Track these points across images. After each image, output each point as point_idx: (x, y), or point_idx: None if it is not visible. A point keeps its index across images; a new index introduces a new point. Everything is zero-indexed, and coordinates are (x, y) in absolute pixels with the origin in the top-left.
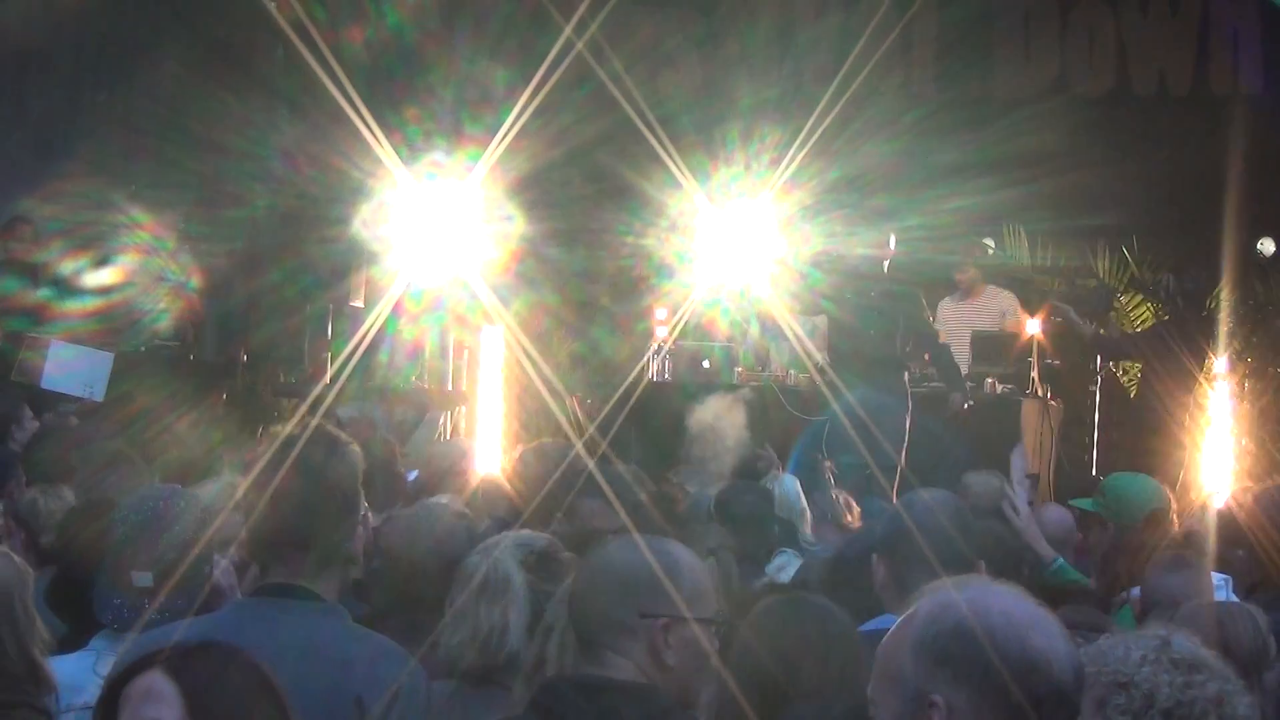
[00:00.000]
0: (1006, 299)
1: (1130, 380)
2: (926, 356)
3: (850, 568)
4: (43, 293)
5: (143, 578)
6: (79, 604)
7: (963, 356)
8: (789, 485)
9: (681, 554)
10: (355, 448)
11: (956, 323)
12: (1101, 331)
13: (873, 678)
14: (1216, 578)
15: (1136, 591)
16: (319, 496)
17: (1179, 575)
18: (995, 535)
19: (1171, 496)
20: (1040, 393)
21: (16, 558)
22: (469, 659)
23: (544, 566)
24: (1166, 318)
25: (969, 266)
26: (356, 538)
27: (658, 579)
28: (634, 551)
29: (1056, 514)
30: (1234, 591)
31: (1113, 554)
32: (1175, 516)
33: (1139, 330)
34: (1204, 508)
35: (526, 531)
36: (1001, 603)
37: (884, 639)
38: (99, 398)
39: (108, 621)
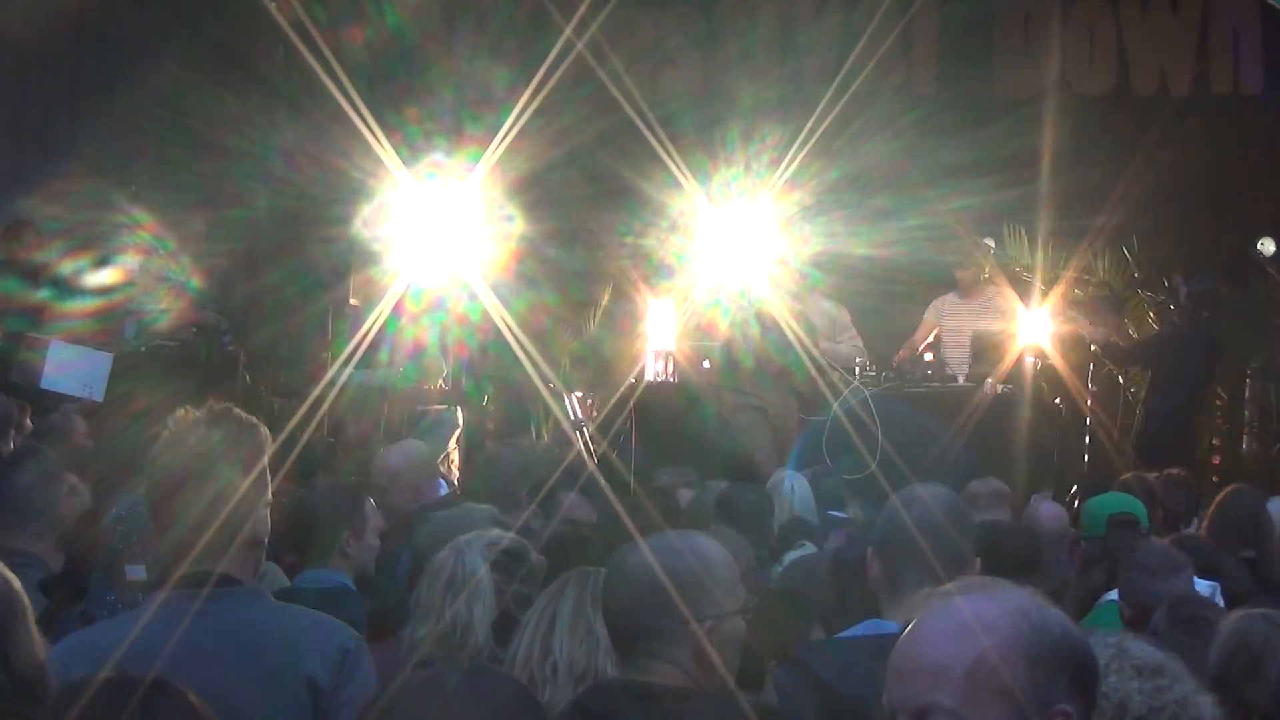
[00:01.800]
0: (1008, 299)
1: (1133, 382)
2: (930, 356)
3: (851, 567)
4: (43, 293)
5: (135, 570)
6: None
7: (962, 354)
8: (799, 485)
9: (711, 548)
10: (257, 424)
11: (957, 320)
12: (1113, 340)
13: (953, 694)
14: (1205, 585)
15: (1113, 594)
16: (220, 478)
17: (1161, 578)
18: (991, 532)
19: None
20: (1040, 393)
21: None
22: (432, 652)
23: (511, 565)
24: (1176, 321)
25: (970, 264)
26: (261, 519)
27: (698, 581)
28: (668, 555)
29: (1051, 510)
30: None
31: (1083, 564)
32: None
33: (1148, 336)
34: (1205, 512)
35: (496, 530)
36: (1050, 607)
37: (961, 651)
38: (98, 398)
39: (101, 618)
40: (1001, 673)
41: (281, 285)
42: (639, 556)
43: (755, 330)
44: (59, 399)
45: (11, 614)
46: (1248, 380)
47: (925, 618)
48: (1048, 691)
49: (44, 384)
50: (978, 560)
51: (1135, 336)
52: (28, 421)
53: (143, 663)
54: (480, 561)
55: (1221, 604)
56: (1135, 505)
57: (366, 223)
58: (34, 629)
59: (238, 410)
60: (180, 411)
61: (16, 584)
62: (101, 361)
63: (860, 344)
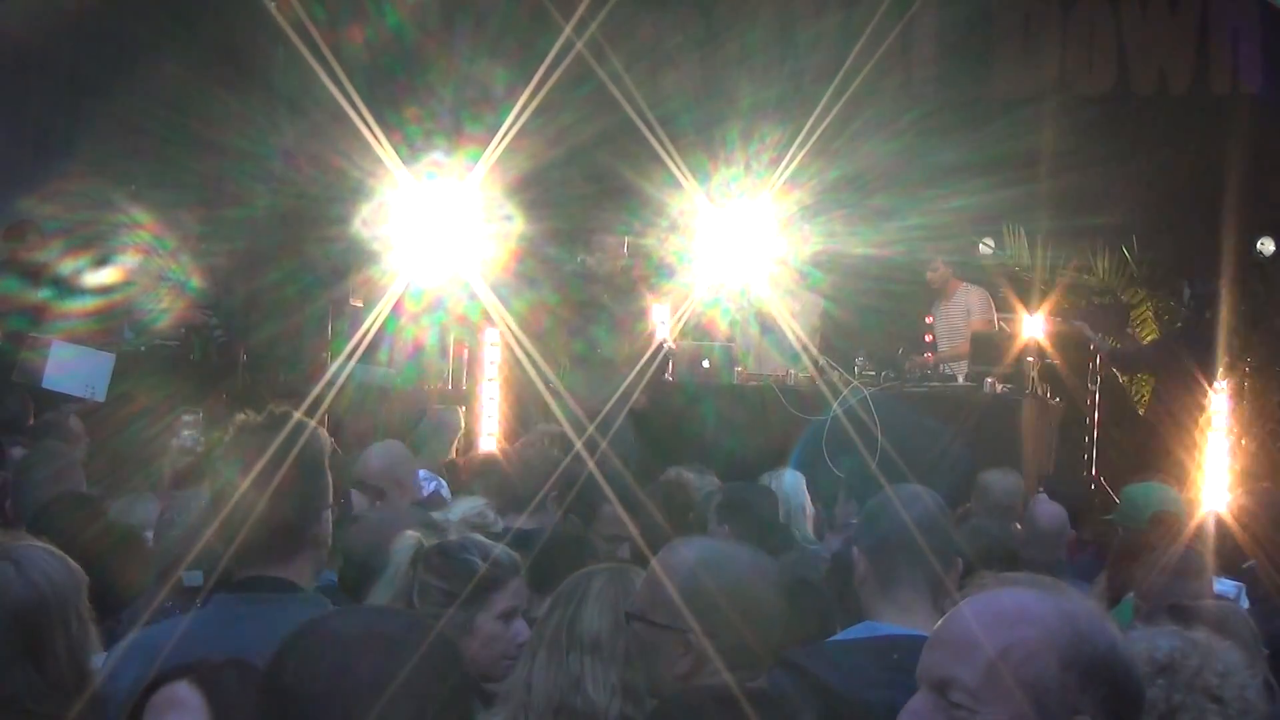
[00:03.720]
0: (974, 296)
1: (1135, 386)
2: (929, 356)
3: (839, 564)
4: (43, 293)
5: (192, 577)
6: None
7: (948, 354)
8: (791, 481)
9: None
10: (321, 430)
11: (938, 321)
12: (1117, 346)
13: (975, 673)
14: (1230, 585)
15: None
16: (288, 481)
17: (1179, 580)
18: (981, 531)
19: (1183, 502)
20: (1040, 393)
21: (71, 561)
22: None
23: (441, 562)
24: (1180, 324)
25: (938, 265)
26: (324, 521)
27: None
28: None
29: (1050, 509)
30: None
31: (1121, 555)
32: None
33: (1152, 341)
34: (1209, 512)
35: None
36: (1110, 622)
37: (996, 633)
38: (100, 398)
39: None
40: (1030, 666)
41: (281, 284)
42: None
43: (755, 330)
44: (61, 399)
45: (45, 616)
46: (1248, 380)
47: (976, 598)
48: (1075, 698)
49: (45, 384)
50: (960, 561)
51: (1138, 342)
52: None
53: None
54: (405, 554)
55: (1245, 605)
56: (1176, 501)
57: (366, 222)
58: (77, 631)
59: (295, 414)
60: (241, 416)
61: (59, 587)
62: (103, 362)
63: None
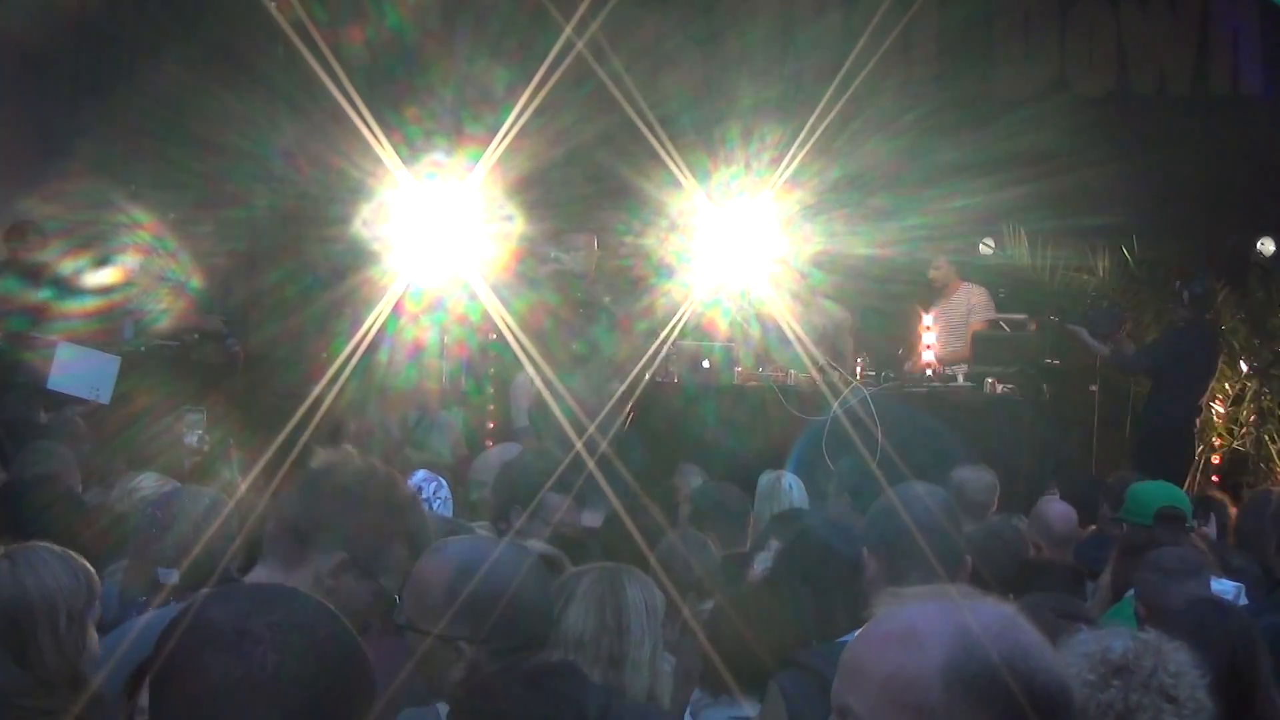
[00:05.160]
0: (975, 295)
1: (1133, 382)
2: (929, 358)
3: (844, 564)
4: (44, 293)
5: (168, 574)
6: None
7: (948, 353)
8: (790, 484)
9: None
10: (353, 450)
11: (938, 320)
12: (1115, 349)
13: (866, 701)
14: (1229, 585)
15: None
16: (315, 494)
17: (1177, 580)
18: (988, 530)
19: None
20: (1040, 393)
21: (83, 563)
22: None
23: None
24: (1178, 324)
25: (941, 263)
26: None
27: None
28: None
29: (1060, 509)
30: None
31: (1125, 552)
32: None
33: (1150, 344)
34: (1208, 512)
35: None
36: (1018, 628)
37: (882, 659)
38: (105, 400)
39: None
40: (913, 690)
41: (281, 285)
42: None
43: (755, 330)
44: (65, 400)
45: (29, 615)
46: (1248, 380)
47: (874, 620)
48: (963, 717)
49: (50, 385)
50: (969, 559)
51: (1135, 346)
52: (42, 414)
53: None
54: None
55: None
56: (1183, 499)
57: (366, 222)
58: (66, 631)
59: (339, 428)
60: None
61: (48, 588)
62: (108, 364)
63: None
